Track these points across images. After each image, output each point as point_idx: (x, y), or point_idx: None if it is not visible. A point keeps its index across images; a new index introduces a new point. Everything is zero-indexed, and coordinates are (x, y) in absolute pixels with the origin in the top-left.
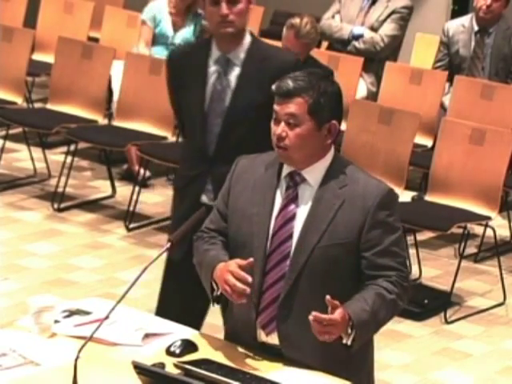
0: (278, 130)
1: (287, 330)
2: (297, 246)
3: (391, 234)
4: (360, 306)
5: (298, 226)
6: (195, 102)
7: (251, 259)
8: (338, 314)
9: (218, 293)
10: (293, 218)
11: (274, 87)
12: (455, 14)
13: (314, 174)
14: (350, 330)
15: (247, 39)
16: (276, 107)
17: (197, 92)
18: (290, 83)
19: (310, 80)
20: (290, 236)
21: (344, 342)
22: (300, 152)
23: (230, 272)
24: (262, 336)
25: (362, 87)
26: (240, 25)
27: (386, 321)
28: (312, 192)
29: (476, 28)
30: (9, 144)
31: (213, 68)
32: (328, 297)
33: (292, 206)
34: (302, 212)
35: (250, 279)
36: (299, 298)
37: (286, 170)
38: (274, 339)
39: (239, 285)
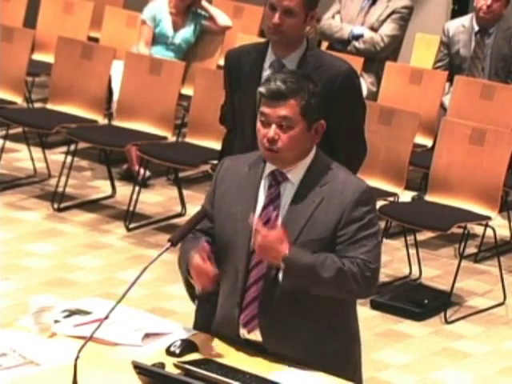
0: (270, 132)
1: (269, 326)
2: None
3: (365, 230)
4: (305, 252)
5: (279, 223)
6: (248, 103)
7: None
8: (273, 231)
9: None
10: (275, 215)
11: (263, 90)
12: (455, 13)
13: (296, 172)
14: (282, 264)
15: (303, 46)
16: (266, 110)
17: (250, 94)
18: (282, 85)
19: (299, 81)
20: None
21: (279, 277)
22: (291, 153)
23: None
24: (245, 334)
25: (362, 87)
26: (291, 35)
27: (328, 283)
28: (293, 190)
29: (476, 28)
30: (9, 144)
31: (267, 72)
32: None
33: (274, 204)
34: (283, 210)
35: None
36: (278, 295)
37: (268, 168)
38: (256, 336)
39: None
